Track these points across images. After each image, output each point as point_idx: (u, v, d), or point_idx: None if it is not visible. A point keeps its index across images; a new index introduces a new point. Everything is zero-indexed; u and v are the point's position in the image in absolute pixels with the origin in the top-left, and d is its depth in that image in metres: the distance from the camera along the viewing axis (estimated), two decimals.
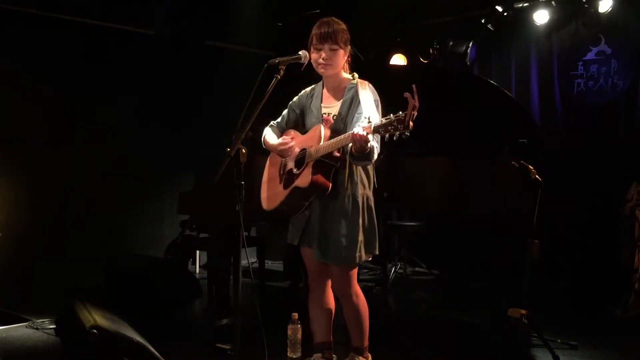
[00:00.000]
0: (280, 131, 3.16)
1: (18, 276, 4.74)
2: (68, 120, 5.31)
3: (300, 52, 2.83)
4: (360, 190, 2.89)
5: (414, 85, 2.33)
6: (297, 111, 3.10)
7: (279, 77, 2.69)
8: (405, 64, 6.15)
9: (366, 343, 3.06)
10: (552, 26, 5.56)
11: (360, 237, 2.87)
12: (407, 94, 2.35)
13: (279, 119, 3.17)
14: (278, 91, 2.69)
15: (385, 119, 2.46)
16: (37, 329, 3.89)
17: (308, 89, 3.10)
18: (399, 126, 2.40)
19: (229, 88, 5.89)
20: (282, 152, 3.00)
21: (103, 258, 4.58)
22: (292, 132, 3.10)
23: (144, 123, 5.64)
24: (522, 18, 5.66)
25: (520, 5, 5.62)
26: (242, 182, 2.55)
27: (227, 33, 6.17)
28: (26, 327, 3.94)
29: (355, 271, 2.98)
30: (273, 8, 6.12)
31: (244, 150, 2.55)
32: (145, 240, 5.75)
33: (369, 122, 2.52)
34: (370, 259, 2.99)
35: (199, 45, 6.15)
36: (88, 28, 5.43)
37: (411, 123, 2.36)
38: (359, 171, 2.90)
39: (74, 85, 5.33)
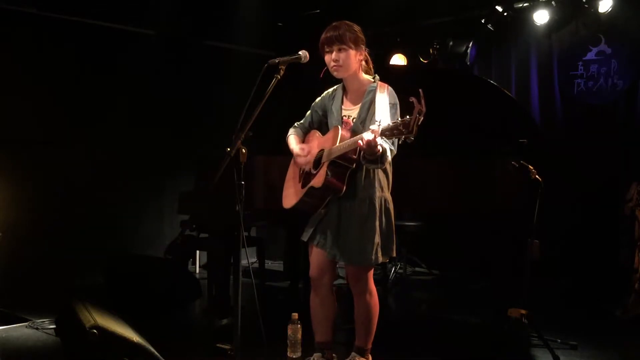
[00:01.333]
0: (304, 132, 3.20)
1: (18, 276, 4.73)
2: (68, 120, 5.30)
3: (300, 52, 2.83)
4: (377, 193, 2.90)
5: (420, 90, 2.33)
6: (320, 112, 3.14)
7: (279, 77, 2.69)
8: (405, 64, 6.15)
9: (370, 345, 3.05)
10: (552, 26, 5.56)
11: (377, 240, 2.89)
12: (413, 99, 2.35)
13: (302, 120, 3.20)
14: (275, 91, 2.69)
15: (392, 123, 2.47)
16: (37, 329, 3.89)
17: (330, 89, 3.12)
18: (404, 130, 2.40)
19: (229, 88, 5.89)
20: (298, 160, 3.03)
21: (103, 258, 4.57)
22: (316, 133, 3.12)
23: (143, 123, 5.64)
24: (522, 18, 5.66)
25: (520, 5, 5.62)
26: (242, 182, 2.55)
27: (227, 33, 6.17)
28: (26, 327, 3.94)
29: (371, 271, 3.02)
30: (273, 8, 6.12)
31: (244, 150, 2.56)
32: (145, 240, 5.75)
33: (379, 125, 2.52)
34: (388, 260, 3.00)
35: (199, 45, 6.15)
36: (88, 28, 5.43)
37: (415, 128, 2.36)
38: (377, 173, 2.92)
39: (73, 85, 5.33)
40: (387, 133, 2.48)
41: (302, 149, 3.02)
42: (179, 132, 5.91)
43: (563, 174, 4.85)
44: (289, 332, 3.34)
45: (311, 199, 2.95)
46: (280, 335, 3.30)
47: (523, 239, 3.61)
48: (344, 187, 2.85)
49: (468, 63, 6.01)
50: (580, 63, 5.47)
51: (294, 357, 3.37)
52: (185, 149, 5.87)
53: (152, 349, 3.02)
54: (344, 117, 2.98)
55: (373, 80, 2.96)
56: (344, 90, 3.04)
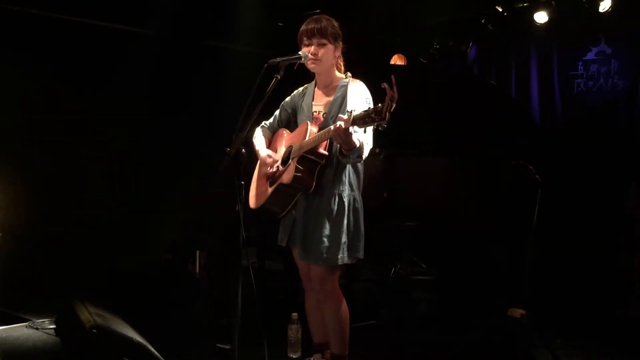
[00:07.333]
0: (272, 131, 3.16)
1: (18, 276, 4.73)
2: (68, 120, 5.30)
3: (300, 52, 2.84)
4: (347, 191, 2.86)
5: (392, 76, 2.30)
6: (289, 110, 3.10)
7: (279, 77, 2.69)
8: (405, 64, 6.15)
9: (347, 350, 2.99)
10: (552, 26, 5.55)
11: (344, 239, 2.82)
12: (385, 85, 2.31)
13: (270, 119, 3.17)
14: (275, 91, 2.69)
15: (364, 111, 2.43)
16: (37, 329, 3.89)
17: (301, 88, 3.10)
18: (376, 118, 2.35)
19: (229, 88, 5.88)
20: (263, 165, 2.99)
21: (103, 258, 4.57)
22: (284, 131, 3.10)
23: (143, 123, 5.63)
24: (522, 18, 5.65)
25: (520, 5, 5.61)
26: (242, 182, 2.55)
27: (227, 33, 6.16)
28: (26, 327, 3.94)
29: (337, 274, 2.95)
30: (273, 8, 6.12)
31: (243, 150, 2.55)
32: (145, 240, 5.75)
33: (349, 114, 2.49)
34: (355, 262, 2.93)
35: (199, 45, 6.15)
36: (88, 28, 5.43)
37: (388, 115, 2.31)
38: (348, 172, 2.87)
39: (73, 85, 5.33)
40: (359, 122, 2.44)
41: (269, 156, 2.97)
42: (178, 132, 5.90)
43: (563, 174, 4.85)
44: (289, 332, 3.34)
45: (280, 196, 2.90)
46: (280, 335, 3.30)
47: (523, 238, 3.61)
48: (314, 183, 2.79)
49: (468, 63, 6.01)
50: (580, 63, 5.47)
51: (294, 357, 3.37)
52: (185, 149, 5.87)
53: (152, 349, 3.02)
54: (314, 113, 2.94)
55: (345, 76, 2.93)
56: (316, 86, 3.01)
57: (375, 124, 2.37)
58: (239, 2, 6.02)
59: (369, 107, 2.42)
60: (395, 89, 2.29)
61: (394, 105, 2.31)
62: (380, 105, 2.35)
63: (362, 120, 2.42)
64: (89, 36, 5.41)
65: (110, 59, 5.50)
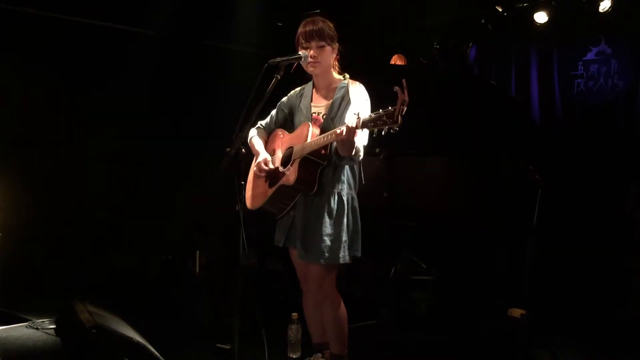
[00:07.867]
0: (268, 132, 3.16)
1: (18, 276, 4.73)
2: (68, 120, 5.30)
3: (300, 52, 2.84)
4: (346, 190, 2.87)
5: (403, 80, 2.32)
6: (286, 110, 3.10)
7: (279, 77, 2.69)
8: (405, 64, 6.15)
9: (346, 350, 3.00)
10: (552, 26, 5.55)
11: (345, 237, 2.83)
12: (396, 88, 2.32)
13: (267, 120, 3.16)
14: (275, 91, 2.69)
15: (374, 114, 2.43)
16: (37, 329, 3.89)
17: (298, 88, 3.10)
18: (388, 121, 2.36)
19: (229, 88, 5.88)
20: (259, 168, 2.97)
21: (103, 258, 4.57)
22: (280, 132, 3.09)
23: (143, 123, 5.63)
24: (522, 18, 5.65)
25: (520, 5, 5.61)
26: (242, 182, 2.56)
27: (227, 33, 6.16)
28: (26, 327, 3.95)
29: (335, 274, 2.95)
30: (273, 8, 6.12)
31: (243, 150, 2.56)
32: (145, 240, 5.75)
33: (358, 117, 2.49)
34: (352, 261, 2.93)
35: (199, 45, 6.15)
36: (88, 28, 5.43)
37: (400, 118, 2.33)
38: (347, 171, 2.88)
39: (73, 85, 5.33)
40: (369, 124, 2.44)
41: (265, 160, 2.95)
42: (178, 131, 5.90)
43: (563, 174, 4.85)
44: (289, 332, 3.35)
45: (281, 198, 2.90)
46: (280, 335, 3.30)
47: (523, 238, 3.61)
48: (316, 186, 2.80)
49: (468, 63, 6.00)
50: (580, 63, 5.47)
51: (294, 357, 3.37)
52: (185, 148, 5.86)
53: (152, 349, 3.02)
54: (314, 114, 2.94)
55: (343, 78, 2.94)
56: (314, 88, 3.01)
57: (387, 127, 2.38)
58: (239, 2, 6.02)
59: (380, 110, 2.42)
60: (406, 92, 2.30)
61: (405, 108, 2.32)
62: (391, 108, 2.36)
63: (373, 122, 2.43)
64: (89, 36, 5.41)
65: (110, 59, 5.50)
